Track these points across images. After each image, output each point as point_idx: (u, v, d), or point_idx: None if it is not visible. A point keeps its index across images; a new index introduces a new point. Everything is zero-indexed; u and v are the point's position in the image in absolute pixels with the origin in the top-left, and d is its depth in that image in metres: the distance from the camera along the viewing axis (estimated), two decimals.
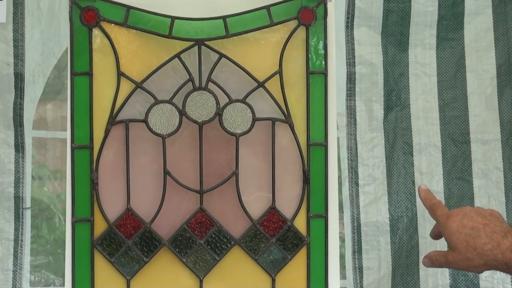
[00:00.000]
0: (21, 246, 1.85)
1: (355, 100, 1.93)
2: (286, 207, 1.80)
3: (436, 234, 1.53)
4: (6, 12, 1.78)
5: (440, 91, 1.94)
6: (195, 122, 1.75)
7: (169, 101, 1.75)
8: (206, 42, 1.76)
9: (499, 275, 1.92)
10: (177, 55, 1.75)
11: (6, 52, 1.81)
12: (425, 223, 1.93)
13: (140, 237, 1.77)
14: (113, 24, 1.75)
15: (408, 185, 1.95)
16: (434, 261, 1.45)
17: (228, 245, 1.78)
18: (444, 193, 1.94)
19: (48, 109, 1.95)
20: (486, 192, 1.92)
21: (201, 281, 1.77)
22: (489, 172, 1.92)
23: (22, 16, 1.81)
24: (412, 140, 1.94)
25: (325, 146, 1.80)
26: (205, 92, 1.76)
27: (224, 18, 1.76)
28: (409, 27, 1.92)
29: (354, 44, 1.92)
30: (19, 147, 1.84)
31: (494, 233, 1.34)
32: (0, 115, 1.83)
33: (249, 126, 1.76)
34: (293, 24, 1.78)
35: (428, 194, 1.54)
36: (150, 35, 1.75)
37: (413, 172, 1.95)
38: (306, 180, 1.80)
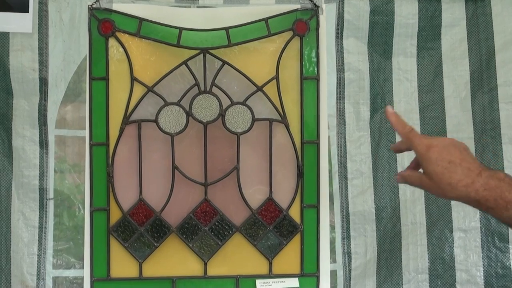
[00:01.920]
0: (45, 233, 1.88)
1: (344, 103, 1.95)
2: (282, 198, 1.86)
3: (399, 149, 1.45)
4: (32, 23, 1.83)
5: (420, 95, 1.95)
6: (200, 122, 1.81)
7: (177, 103, 1.81)
8: (211, 51, 1.81)
9: (472, 258, 1.95)
10: (185, 62, 1.81)
11: (32, 59, 1.84)
12: (407, 213, 1.95)
13: (151, 224, 1.83)
14: (127, 35, 1.80)
15: (392, 179, 1.95)
16: (408, 179, 1.39)
17: (230, 232, 1.85)
18: None
19: (68, 110, 1.98)
20: None
21: (205, 264, 1.84)
22: None
23: (46, 27, 1.84)
24: (395, 139, 1.93)
25: (317, 144, 1.86)
26: (210, 95, 1.81)
27: (226, 29, 1.81)
28: (393, 37, 1.94)
29: (343, 53, 1.94)
30: (43, 144, 1.87)
31: (470, 170, 1.28)
32: (27, 115, 1.86)
33: (249, 126, 1.82)
34: (288, 34, 1.84)
35: (398, 119, 1.44)
36: (160, 44, 1.81)
37: (396, 167, 1.95)
38: (300, 174, 1.86)
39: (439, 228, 1.97)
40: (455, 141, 1.35)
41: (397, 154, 1.95)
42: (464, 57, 1.97)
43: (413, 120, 1.96)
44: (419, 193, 1.96)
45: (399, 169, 1.96)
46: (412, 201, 1.97)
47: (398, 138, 1.92)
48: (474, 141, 1.97)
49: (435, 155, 1.31)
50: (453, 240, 1.97)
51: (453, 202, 1.95)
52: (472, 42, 1.97)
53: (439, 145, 1.33)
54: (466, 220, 1.97)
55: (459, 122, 1.97)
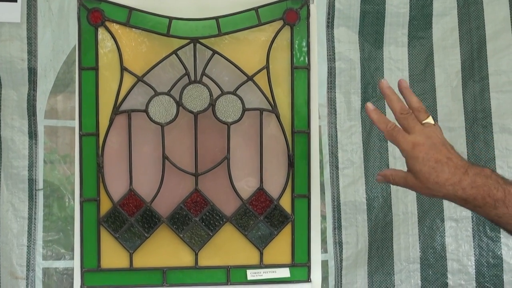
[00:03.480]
0: (34, 224, 1.87)
1: (335, 92, 1.95)
2: (273, 188, 1.84)
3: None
4: (20, 12, 1.81)
5: (412, 84, 1.95)
6: (190, 112, 1.79)
7: (167, 93, 1.78)
8: (201, 40, 1.79)
9: (463, 248, 1.96)
10: (175, 52, 1.79)
11: (21, 49, 1.83)
12: (398, 203, 1.96)
13: (142, 215, 1.81)
14: (117, 24, 1.78)
15: (383, 169, 1.94)
16: (391, 179, 1.37)
17: (221, 222, 1.83)
18: None
19: (58, 100, 1.97)
20: None
21: (196, 254, 1.82)
22: None
23: (35, 17, 1.83)
24: None
25: (308, 133, 1.84)
26: (200, 85, 1.79)
27: (216, 18, 1.79)
28: (384, 26, 1.94)
29: (334, 42, 1.94)
30: (32, 134, 1.86)
31: (457, 168, 1.27)
32: (16, 106, 1.85)
33: (239, 116, 1.80)
34: (279, 24, 1.82)
35: (380, 116, 1.41)
36: (150, 34, 1.79)
37: (388, 156, 1.96)
38: (291, 164, 1.84)
39: (430, 218, 1.97)
40: (442, 138, 1.33)
41: (389, 144, 1.94)
42: (455, 46, 1.96)
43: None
44: None
45: (391, 159, 1.97)
46: (403, 191, 1.96)
47: None
48: (465, 130, 1.97)
49: (421, 154, 1.29)
50: (444, 230, 1.98)
51: None
52: (463, 31, 1.96)
53: (425, 144, 1.30)
54: (457, 209, 1.97)
55: (450, 111, 1.97)
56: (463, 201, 1.27)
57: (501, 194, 1.24)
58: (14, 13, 1.82)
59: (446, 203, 1.96)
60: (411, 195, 1.96)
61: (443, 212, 1.97)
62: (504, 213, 1.23)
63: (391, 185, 1.91)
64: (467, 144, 1.96)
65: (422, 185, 1.29)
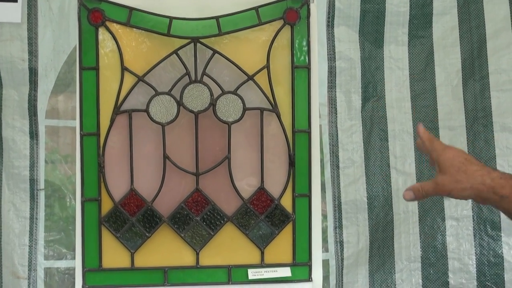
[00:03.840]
0: (36, 224, 1.87)
1: (335, 92, 1.94)
2: (274, 187, 1.84)
3: (420, 147, 1.48)
4: (21, 13, 1.81)
5: (412, 83, 1.95)
6: (191, 111, 1.79)
7: (168, 93, 1.78)
8: (201, 40, 1.79)
9: (464, 246, 1.96)
10: (175, 52, 1.79)
11: (22, 49, 1.83)
12: (399, 202, 1.95)
13: (143, 214, 1.81)
14: (117, 24, 1.78)
15: (384, 168, 1.95)
16: (420, 189, 1.40)
17: (222, 221, 1.83)
18: (416, 174, 1.95)
19: (59, 100, 1.97)
20: None
21: (197, 254, 1.82)
22: None
23: (36, 17, 1.83)
24: (387, 127, 1.95)
25: (308, 133, 1.84)
26: (200, 84, 1.79)
27: (217, 18, 1.79)
28: (384, 26, 1.93)
29: (334, 42, 1.93)
30: (33, 134, 1.86)
31: (484, 166, 1.34)
32: (17, 106, 1.84)
33: (240, 115, 1.80)
34: (279, 23, 1.82)
35: (425, 132, 1.46)
36: (150, 34, 1.79)
37: (388, 155, 1.96)
38: (291, 163, 1.84)
39: (431, 217, 1.97)
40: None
41: (389, 143, 1.96)
42: (456, 45, 1.96)
43: (405, 109, 1.97)
44: (412, 182, 1.95)
45: (391, 158, 1.97)
46: (404, 190, 1.93)
47: (390, 127, 1.96)
48: (466, 129, 1.96)
49: (451, 153, 1.37)
50: (445, 229, 1.97)
51: None
52: (463, 30, 1.96)
53: (454, 147, 1.39)
54: (458, 208, 1.97)
55: (451, 110, 1.97)
56: (490, 190, 1.31)
57: None
58: (15, 13, 1.81)
59: (446, 202, 1.96)
60: None
61: (444, 211, 1.96)
62: None
63: (392, 184, 1.97)
64: (467, 143, 1.95)
65: (451, 178, 1.34)
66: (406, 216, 1.97)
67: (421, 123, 1.48)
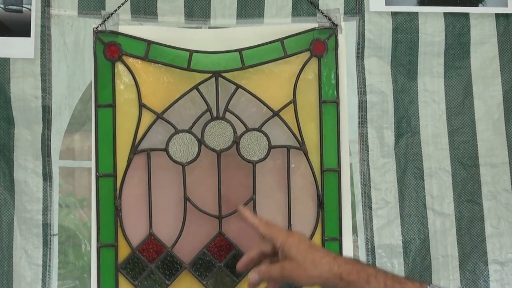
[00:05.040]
0: (49, 272, 1.81)
1: (367, 127, 1.89)
2: (302, 230, 1.77)
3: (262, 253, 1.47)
4: (34, 48, 1.78)
5: (449, 117, 1.90)
6: (213, 150, 1.75)
7: (189, 131, 1.75)
8: (223, 74, 1.76)
9: None
10: (196, 87, 1.75)
11: (35, 86, 1.79)
12: (437, 245, 1.89)
13: (162, 260, 1.75)
14: (134, 58, 1.75)
15: (420, 209, 1.89)
16: (267, 273, 1.42)
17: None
18: (455, 215, 1.89)
19: (74, 139, 1.94)
20: (496, 214, 1.86)
21: None
22: (498, 194, 1.86)
23: (49, 52, 1.80)
24: (422, 165, 1.90)
25: (338, 172, 1.79)
26: (223, 121, 1.75)
27: (240, 51, 1.76)
28: (418, 56, 1.89)
29: (364, 74, 1.89)
30: (47, 176, 1.81)
31: (329, 252, 1.40)
32: (29, 146, 1.80)
33: (265, 154, 1.76)
34: (305, 55, 1.79)
35: (250, 214, 1.53)
36: (170, 68, 1.76)
37: (424, 195, 1.90)
38: (320, 204, 1.79)
39: (472, 261, 1.89)
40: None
41: (425, 182, 1.89)
42: (496, 76, 1.90)
43: (442, 145, 1.90)
44: (450, 224, 1.88)
45: (428, 198, 1.90)
46: (442, 232, 1.89)
47: (425, 164, 1.90)
48: (510, 166, 1.90)
49: (297, 238, 1.42)
50: (488, 274, 1.89)
51: (487, 232, 1.89)
52: (504, 60, 1.91)
53: (296, 232, 1.48)
54: (502, 251, 1.89)
55: (492, 146, 1.90)
56: (337, 277, 1.35)
57: (372, 270, 1.34)
58: (27, 48, 1.78)
59: (489, 245, 1.88)
60: (451, 236, 1.89)
61: (487, 255, 1.89)
62: (375, 286, 1.32)
63: (429, 226, 1.88)
64: (511, 181, 1.89)
65: (298, 266, 1.37)
66: (445, 261, 1.89)
67: (241, 205, 1.59)
